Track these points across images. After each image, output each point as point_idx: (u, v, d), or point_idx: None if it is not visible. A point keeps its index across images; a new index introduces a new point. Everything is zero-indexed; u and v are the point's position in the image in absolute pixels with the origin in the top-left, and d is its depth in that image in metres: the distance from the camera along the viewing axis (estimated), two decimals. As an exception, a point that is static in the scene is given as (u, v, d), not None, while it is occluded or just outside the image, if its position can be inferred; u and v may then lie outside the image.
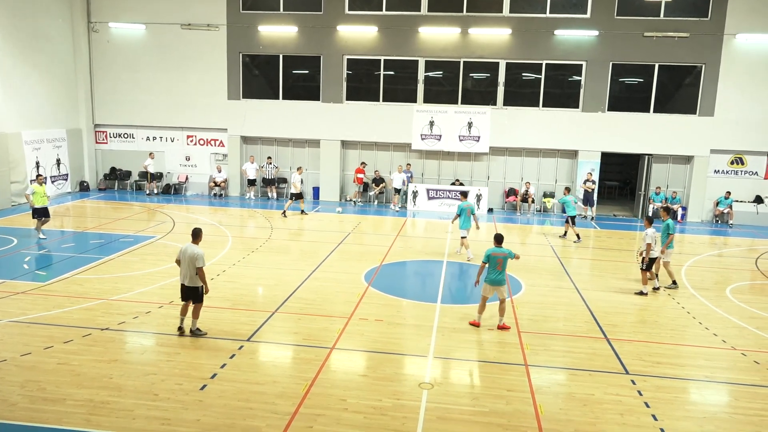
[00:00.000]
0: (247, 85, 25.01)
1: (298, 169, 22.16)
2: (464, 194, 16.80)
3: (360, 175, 24.22)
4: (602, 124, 23.13)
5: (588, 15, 22.58)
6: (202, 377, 8.52)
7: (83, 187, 25.23)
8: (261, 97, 25.00)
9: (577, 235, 18.68)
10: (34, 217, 16.41)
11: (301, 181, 21.86)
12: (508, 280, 13.97)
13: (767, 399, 8.50)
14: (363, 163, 24.45)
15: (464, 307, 12.04)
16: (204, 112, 25.00)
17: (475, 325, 10.79)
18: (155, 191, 25.03)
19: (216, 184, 24.99)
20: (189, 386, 8.24)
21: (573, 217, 18.76)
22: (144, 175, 25.26)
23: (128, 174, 26.09)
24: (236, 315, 11.14)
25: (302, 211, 21.69)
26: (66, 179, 24.33)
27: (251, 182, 24.72)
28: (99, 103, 25.56)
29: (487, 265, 10.78)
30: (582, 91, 23.25)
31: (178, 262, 9.83)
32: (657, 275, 13.84)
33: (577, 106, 23.40)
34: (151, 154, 24.93)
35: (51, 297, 11.74)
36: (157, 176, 25.25)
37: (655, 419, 7.79)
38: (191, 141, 25.64)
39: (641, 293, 13.25)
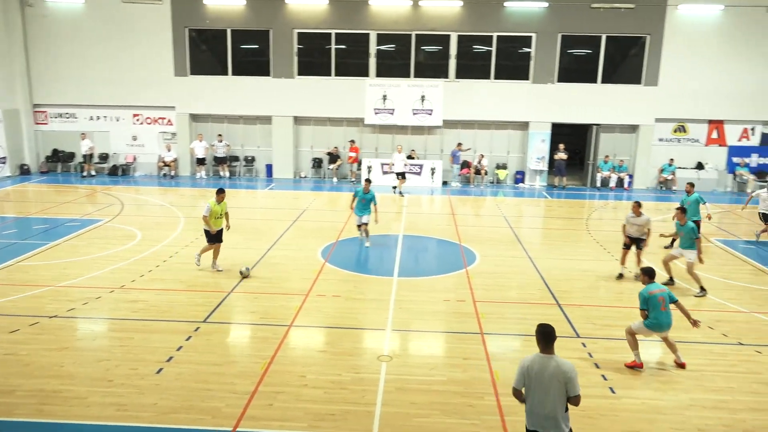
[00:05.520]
0: (194, 61, 24.25)
1: (398, 147, 22.53)
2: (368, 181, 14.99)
3: (353, 154, 23.60)
4: (552, 96, 23.49)
5: (536, -14, 22.74)
6: (158, 361, 8.38)
7: (24, 171, 24.14)
8: (209, 73, 24.31)
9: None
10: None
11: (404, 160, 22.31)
12: (463, 253, 14.21)
13: None
14: (351, 140, 23.96)
15: (421, 279, 12.19)
16: (150, 89, 24.15)
17: (639, 366, 8.48)
18: (91, 173, 24.02)
19: (165, 164, 24.32)
20: (144, 371, 8.10)
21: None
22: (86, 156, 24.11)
23: (71, 156, 25.08)
24: (191, 297, 10.97)
25: (400, 193, 21.66)
26: (4, 163, 23.23)
27: (200, 161, 24.13)
28: (37, 82, 24.38)
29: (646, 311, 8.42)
30: (532, 63, 23.49)
31: (518, 393, 5.92)
32: None
33: (528, 78, 23.66)
34: (82, 134, 23.90)
35: (-6, 286, 11.29)
36: (90, 157, 23.92)
37: (605, 379, 8.12)
38: (137, 120, 24.81)
39: None
